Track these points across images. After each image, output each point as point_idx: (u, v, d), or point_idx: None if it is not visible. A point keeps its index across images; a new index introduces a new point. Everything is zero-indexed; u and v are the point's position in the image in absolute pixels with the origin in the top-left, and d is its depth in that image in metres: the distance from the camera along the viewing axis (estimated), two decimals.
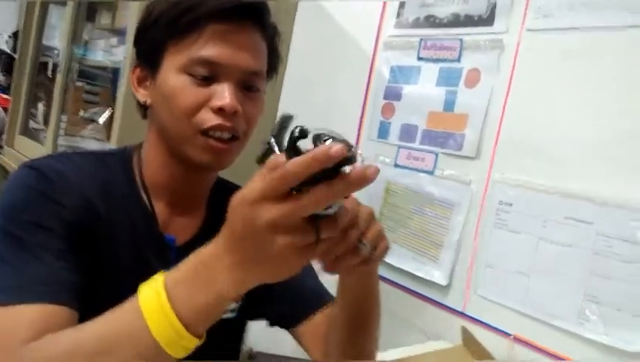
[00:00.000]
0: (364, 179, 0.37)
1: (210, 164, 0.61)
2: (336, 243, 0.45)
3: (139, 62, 0.64)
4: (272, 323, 0.73)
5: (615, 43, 0.87)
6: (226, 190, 0.69)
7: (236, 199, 0.40)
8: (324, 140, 0.36)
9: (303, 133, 0.37)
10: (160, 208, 0.64)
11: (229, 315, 0.68)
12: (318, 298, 0.68)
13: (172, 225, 0.64)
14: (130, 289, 0.53)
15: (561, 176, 0.91)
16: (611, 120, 0.86)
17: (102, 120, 1.73)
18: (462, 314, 1.02)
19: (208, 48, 0.58)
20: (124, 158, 0.65)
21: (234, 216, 0.40)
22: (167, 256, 0.62)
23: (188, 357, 0.44)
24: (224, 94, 0.58)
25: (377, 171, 0.37)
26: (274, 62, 0.66)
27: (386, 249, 0.51)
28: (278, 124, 0.39)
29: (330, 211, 0.38)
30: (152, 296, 0.43)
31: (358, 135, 1.28)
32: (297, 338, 0.71)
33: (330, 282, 0.64)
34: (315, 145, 0.36)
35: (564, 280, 0.88)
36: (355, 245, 0.46)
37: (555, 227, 0.90)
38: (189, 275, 0.43)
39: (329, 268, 0.48)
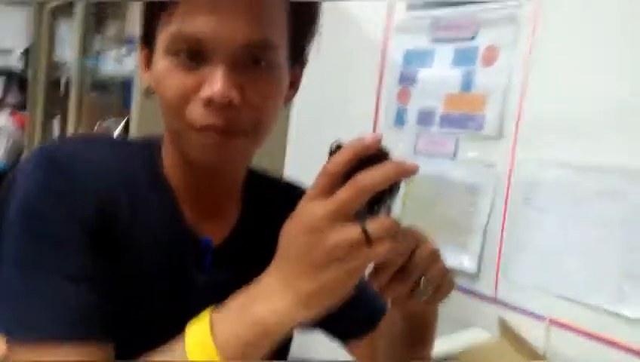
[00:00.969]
0: (402, 167, 0.38)
1: (211, 164, 0.50)
2: (394, 279, 0.43)
3: (142, 41, 0.54)
4: (331, 334, 0.68)
5: None
6: (261, 181, 0.63)
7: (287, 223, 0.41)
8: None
9: (340, 147, 0.40)
10: (187, 210, 0.55)
11: None
12: (379, 311, 0.63)
13: (203, 227, 0.56)
14: (165, 297, 0.51)
15: (589, 150, 0.88)
16: (637, 87, 0.82)
17: (116, 132, 1.74)
18: (494, 300, 1.00)
19: (189, 21, 0.46)
20: (150, 151, 0.56)
21: (284, 233, 0.41)
22: (202, 259, 0.55)
23: None
24: (213, 80, 0.46)
25: (416, 166, 0.39)
26: (303, 27, 0.53)
27: (449, 290, 0.48)
28: (330, 153, 0.40)
29: (375, 215, 0.39)
30: (198, 330, 0.42)
31: (375, 123, 1.26)
32: (348, 347, 0.68)
33: None
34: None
35: (599, 258, 0.85)
36: (414, 287, 0.44)
37: (586, 203, 0.87)
38: (235, 308, 0.42)
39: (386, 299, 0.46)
